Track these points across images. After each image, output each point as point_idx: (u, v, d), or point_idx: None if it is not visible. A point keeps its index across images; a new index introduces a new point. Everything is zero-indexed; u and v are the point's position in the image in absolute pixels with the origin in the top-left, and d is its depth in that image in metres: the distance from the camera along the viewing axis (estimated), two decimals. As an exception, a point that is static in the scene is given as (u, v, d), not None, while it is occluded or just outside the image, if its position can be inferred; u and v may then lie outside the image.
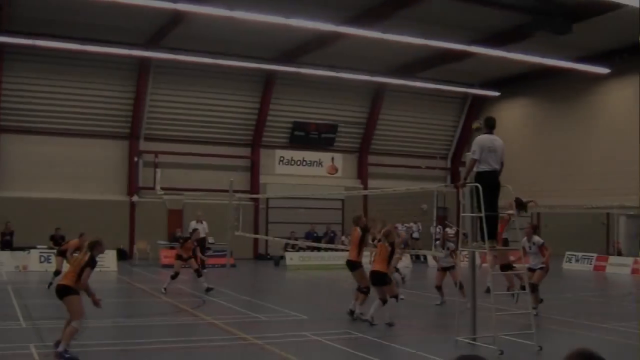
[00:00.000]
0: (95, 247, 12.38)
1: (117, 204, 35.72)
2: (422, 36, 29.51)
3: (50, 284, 20.95)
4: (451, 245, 20.36)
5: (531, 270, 17.28)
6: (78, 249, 20.85)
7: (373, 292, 16.53)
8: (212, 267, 30.37)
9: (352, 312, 16.83)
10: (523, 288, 15.99)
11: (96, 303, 12.44)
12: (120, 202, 36.02)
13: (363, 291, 16.78)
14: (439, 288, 19.66)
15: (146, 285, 23.70)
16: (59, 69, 33.66)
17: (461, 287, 18.38)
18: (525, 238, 17.22)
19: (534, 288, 16.64)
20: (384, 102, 41.07)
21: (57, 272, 21.33)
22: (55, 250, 23.95)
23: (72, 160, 34.75)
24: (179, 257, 22.99)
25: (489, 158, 13.26)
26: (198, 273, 22.74)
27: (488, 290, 17.53)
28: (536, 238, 17.81)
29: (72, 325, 11.86)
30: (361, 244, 17.04)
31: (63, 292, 12.05)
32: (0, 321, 16.14)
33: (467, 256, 14.90)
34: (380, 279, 16.04)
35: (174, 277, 22.14)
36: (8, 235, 31.18)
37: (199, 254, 24.35)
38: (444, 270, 19.78)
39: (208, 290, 21.97)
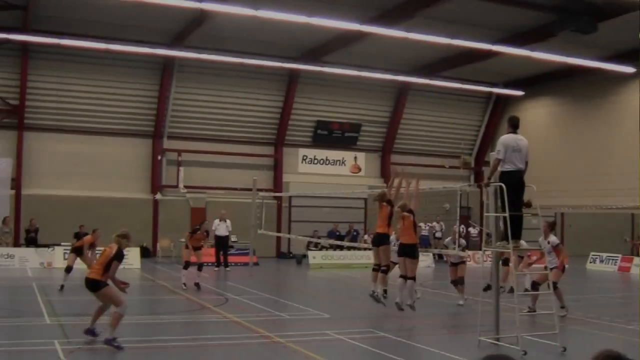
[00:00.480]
0: (123, 240, 12.66)
1: (140, 202, 35.88)
2: (446, 35, 29.40)
3: (62, 286, 20.97)
4: (462, 242, 20.46)
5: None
6: (92, 245, 21.09)
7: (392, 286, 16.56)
8: (235, 265, 30.49)
9: (373, 292, 17.11)
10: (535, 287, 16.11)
11: (122, 289, 12.76)
12: (144, 200, 36.17)
13: (383, 271, 17.07)
14: (454, 283, 19.76)
15: (169, 282, 23.81)
16: (84, 67, 33.84)
17: (461, 283, 18.63)
18: (542, 236, 17.13)
19: (554, 286, 16.51)
20: (407, 102, 40.97)
21: (68, 269, 21.38)
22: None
23: (96, 158, 34.94)
24: (187, 247, 23.37)
25: (514, 157, 13.22)
26: (199, 266, 23.01)
27: (511, 291, 17.46)
28: (552, 237, 17.68)
29: (117, 312, 12.35)
30: (390, 218, 17.40)
31: (94, 286, 12.40)
32: (25, 317, 16.30)
33: (491, 256, 14.85)
34: (410, 251, 16.55)
35: (185, 267, 22.69)
36: (33, 232, 31.49)
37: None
38: (453, 265, 19.84)
39: (196, 285, 22.34)
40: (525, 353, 12.12)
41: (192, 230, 23.99)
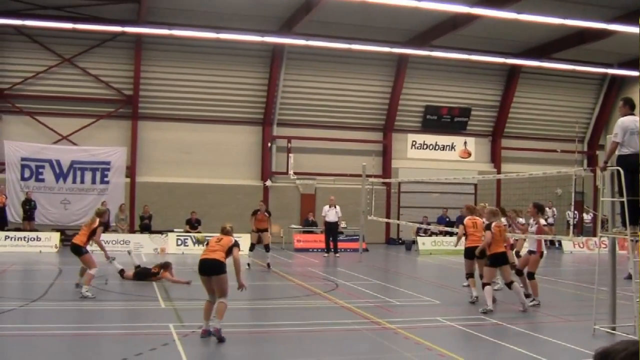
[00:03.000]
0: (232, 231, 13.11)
1: (251, 189, 36.36)
2: (558, 15, 28.69)
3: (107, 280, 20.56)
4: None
5: None
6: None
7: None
8: (345, 252, 30.57)
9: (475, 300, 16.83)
10: None
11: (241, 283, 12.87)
12: (254, 186, 36.65)
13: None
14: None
15: (279, 268, 24.05)
16: (194, 57, 34.55)
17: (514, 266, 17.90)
18: None
19: None
20: (518, 85, 40.18)
21: (122, 272, 20.45)
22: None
23: (207, 146, 35.67)
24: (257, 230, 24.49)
25: (632, 141, 12.75)
26: (267, 248, 23.88)
27: (629, 277, 16.95)
28: None
29: (224, 302, 12.33)
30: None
31: (220, 269, 12.39)
32: (142, 302, 16.76)
33: (606, 242, 14.40)
34: (504, 258, 16.24)
35: (251, 249, 24.35)
36: (147, 219, 32.34)
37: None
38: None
39: (268, 266, 23.42)
40: (644, 343, 11.70)
41: (253, 213, 24.89)
